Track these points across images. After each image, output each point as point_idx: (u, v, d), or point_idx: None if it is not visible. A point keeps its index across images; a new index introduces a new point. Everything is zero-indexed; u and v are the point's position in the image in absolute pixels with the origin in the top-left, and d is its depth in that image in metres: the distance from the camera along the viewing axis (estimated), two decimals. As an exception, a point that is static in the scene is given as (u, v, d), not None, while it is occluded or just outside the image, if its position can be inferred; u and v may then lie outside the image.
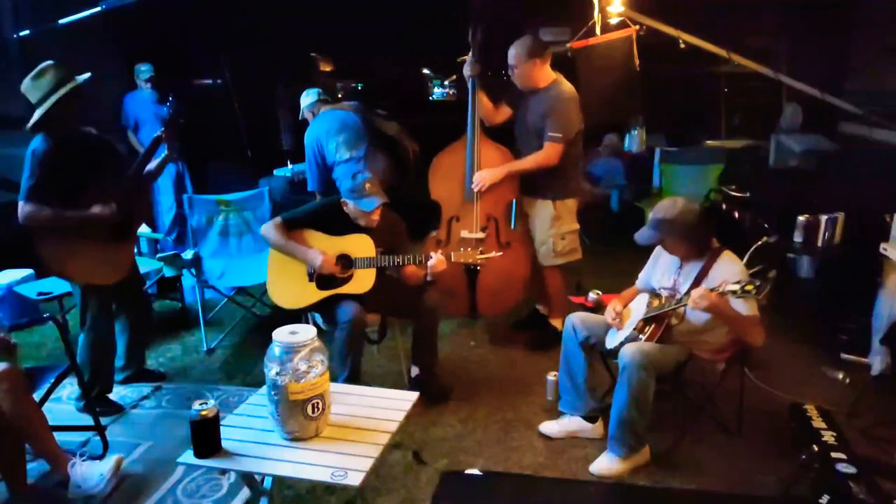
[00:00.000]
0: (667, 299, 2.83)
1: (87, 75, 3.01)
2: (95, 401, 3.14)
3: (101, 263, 3.14)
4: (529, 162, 3.72)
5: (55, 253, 3.04)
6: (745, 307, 2.62)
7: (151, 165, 3.28)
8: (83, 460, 2.63)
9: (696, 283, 2.77)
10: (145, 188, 3.44)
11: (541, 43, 3.71)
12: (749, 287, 2.44)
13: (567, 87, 3.73)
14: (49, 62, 2.97)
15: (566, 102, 3.66)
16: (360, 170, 3.21)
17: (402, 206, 3.47)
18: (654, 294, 2.90)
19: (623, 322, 2.91)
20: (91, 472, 2.57)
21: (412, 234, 3.60)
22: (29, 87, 2.95)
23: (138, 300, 3.54)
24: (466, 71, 3.79)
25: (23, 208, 2.92)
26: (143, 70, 5.50)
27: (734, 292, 2.48)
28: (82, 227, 3.01)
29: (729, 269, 2.72)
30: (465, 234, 3.88)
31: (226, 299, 4.38)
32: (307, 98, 4.28)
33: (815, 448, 2.56)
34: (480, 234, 3.86)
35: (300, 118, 4.33)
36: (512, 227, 3.96)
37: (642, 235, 2.91)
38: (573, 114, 3.68)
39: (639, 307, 2.88)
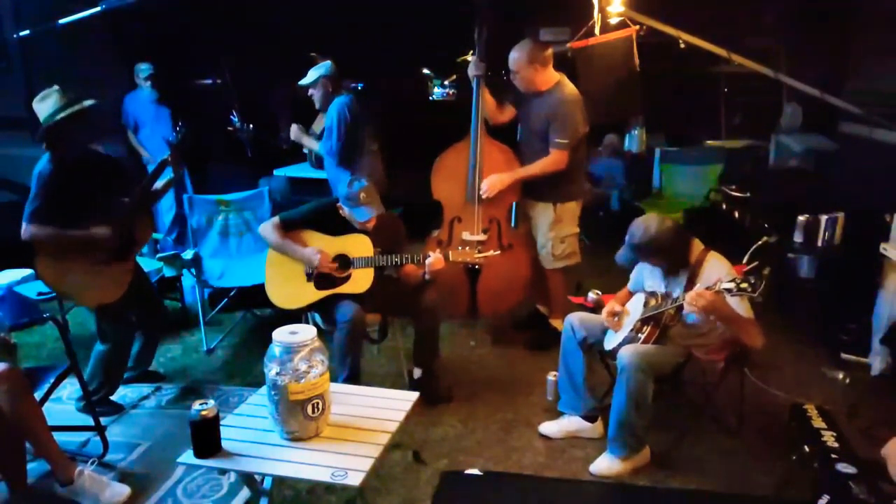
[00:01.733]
0: (663, 299, 2.82)
1: (92, 101, 3.04)
2: (96, 402, 3.14)
3: (98, 284, 3.14)
4: (537, 168, 3.71)
5: (56, 274, 3.07)
6: (741, 308, 2.61)
7: (157, 185, 3.29)
8: (91, 469, 2.63)
9: (688, 288, 2.74)
10: (148, 209, 3.44)
11: (540, 46, 3.69)
12: (744, 284, 2.42)
13: (570, 89, 3.71)
14: (55, 87, 3.00)
15: (569, 106, 3.64)
16: (357, 177, 3.20)
17: (403, 206, 3.47)
18: (650, 294, 2.89)
19: (620, 323, 2.91)
20: (99, 492, 2.55)
21: (415, 234, 3.60)
22: (36, 107, 3.00)
23: (152, 308, 3.52)
24: (471, 71, 3.78)
25: (26, 229, 2.96)
26: (143, 69, 5.49)
27: (729, 290, 2.46)
28: (82, 249, 3.04)
29: (718, 270, 2.71)
30: (466, 235, 3.87)
31: (226, 299, 4.37)
32: (323, 68, 4.16)
33: (807, 448, 2.56)
34: (482, 237, 3.85)
35: (305, 84, 4.19)
36: (513, 226, 3.95)
37: (621, 256, 2.92)
38: (577, 118, 3.65)
39: (636, 307, 2.88)
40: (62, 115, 2.92)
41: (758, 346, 2.73)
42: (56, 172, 2.95)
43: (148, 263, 4.53)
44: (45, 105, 2.96)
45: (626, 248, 2.85)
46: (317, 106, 4.27)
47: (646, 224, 2.77)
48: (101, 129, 3.48)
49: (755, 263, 2.50)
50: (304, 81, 4.19)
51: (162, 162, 3.19)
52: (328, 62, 4.19)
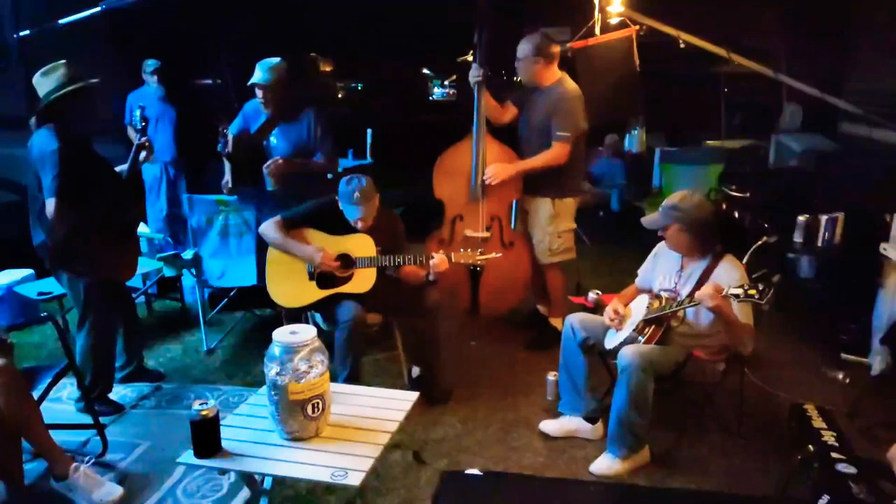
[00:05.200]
0: (667, 301, 2.82)
1: (96, 80, 3.04)
2: (96, 401, 3.14)
3: (115, 261, 3.19)
4: (539, 160, 3.72)
5: (76, 251, 3.05)
6: (741, 314, 2.62)
7: (124, 166, 3.27)
8: (87, 466, 2.63)
9: (698, 287, 2.76)
10: (137, 189, 3.46)
11: (549, 43, 3.70)
12: (752, 291, 2.43)
13: (571, 85, 3.73)
14: (62, 61, 2.99)
15: (571, 101, 3.66)
16: (357, 175, 3.19)
17: (406, 205, 3.46)
18: (654, 296, 2.89)
19: (623, 322, 2.90)
20: (92, 490, 2.55)
21: (414, 234, 3.59)
22: (38, 81, 2.98)
23: (127, 297, 3.54)
24: (472, 77, 3.79)
25: (54, 205, 2.86)
26: (150, 63, 5.51)
27: (737, 296, 2.47)
28: (100, 226, 3.04)
29: (730, 274, 2.72)
30: (469, 233, 3.88)
31: (226, 300, 4.37)
32: (281, 67, 3.78)
33: (811, 448, 2.56)
34: (486, 234, 3.85)
35: (265, 82, 3.69)
36: (512, 226, 3.95)
37: (649, 220, 2.93)
38: (578, 112, 3.68)
39: (639, 308, 2.88)
40: (69, 88, 2.91)
41: (747, 353, 2.75)
42: (67, 147, 2.91)
43: (148, 263, 4.53)
44: (50, 79, 2.94)
45: (661, 209, 2.85)
46: (266, 109, 3.75)
47: (692, 194, 2.85)
48: (98, 111, 3.50)
49: (765, 270, 2.51)
50: (259, 79, 3.66)
51: (139, 145, 3.21)
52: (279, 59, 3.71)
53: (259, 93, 3.73)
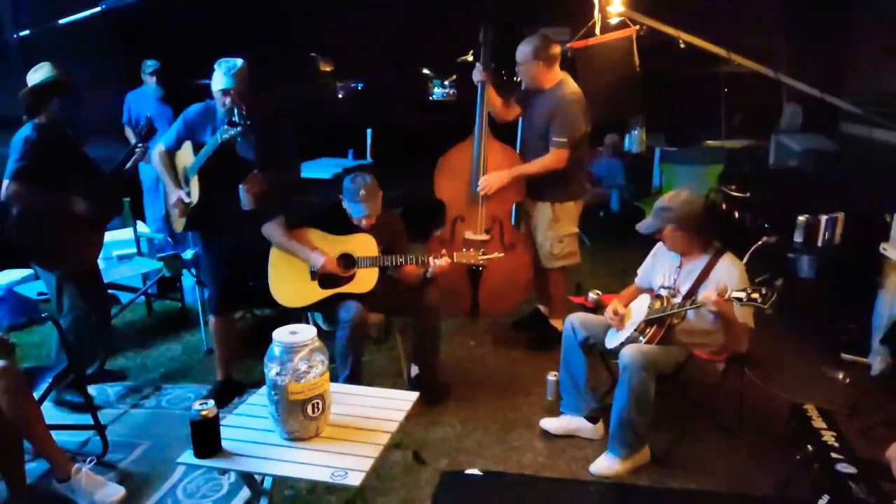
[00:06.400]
0: (668, 301, 2.82)
1: (75, 79, 3.17)
2: (69, 389, 3.17)
3: (75, 248, 3.24)
4: (535, 166, 3.70)
5: (33, 237, 3.13)
6: (741, 314, 2.62)
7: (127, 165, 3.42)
8: (89, 468, 2.63)
9: (697, 283, 2.76)
10: (119, 187, 3.51)
11: (548, 45, 3.67)
12: (755, 295, 2.43)
13: (572, 88, 3.70)
14: (48, 62, 3.12)
15: (570, 105, 3.63)
16: (361, 174, 3.19)
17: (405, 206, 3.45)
18: (655, 296, 2.89)
19: (623, 322, 2.90)
20: (94, 491, 2.56)
21: (413, 234, 3.59)
22: (29, 78, 3.12)
23: (99, 291, 3.55)
24: (476, 77, 3.78)
25: (8, 186, 3.01)
26: (149, 64, 5.53)
27: (739, 300, 2.47)
28: (60, 214, 3.11)
29: (729, 272, 2.72)
30: (469, 235, 3.86)
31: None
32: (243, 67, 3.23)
33: (811, 448, 2.56)
34: (485, 236, 3.84)
35: (231, 87, 3.13)
36: (512, 223, 3.95)
37: (644, 224, 2.93)
38: (578, 117, 3.64)
39: (640, 308, 2.88)
40: (48, 81, 3.06)
41: (741, 350, 2.75)
42: (40, 139, 3.03)
43: (148, 263, 4.53)
44: (37, 75, 3.10)
45: (653, 212, 2.87)
46: (236, 117, 2.94)
47: (678, 192, 2.86)
48: (82, 106, 3.62)
49: (767, 275, 2.51)
50: (225, 85, 3.13)
51: (134, 147, 3.31)
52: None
53: (223, 99, 3.14)
